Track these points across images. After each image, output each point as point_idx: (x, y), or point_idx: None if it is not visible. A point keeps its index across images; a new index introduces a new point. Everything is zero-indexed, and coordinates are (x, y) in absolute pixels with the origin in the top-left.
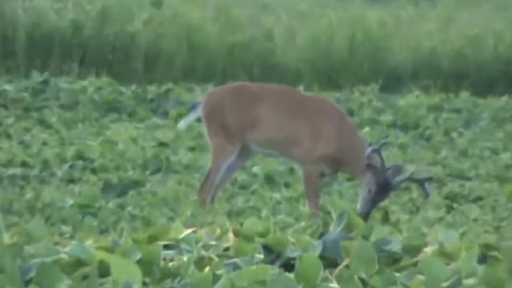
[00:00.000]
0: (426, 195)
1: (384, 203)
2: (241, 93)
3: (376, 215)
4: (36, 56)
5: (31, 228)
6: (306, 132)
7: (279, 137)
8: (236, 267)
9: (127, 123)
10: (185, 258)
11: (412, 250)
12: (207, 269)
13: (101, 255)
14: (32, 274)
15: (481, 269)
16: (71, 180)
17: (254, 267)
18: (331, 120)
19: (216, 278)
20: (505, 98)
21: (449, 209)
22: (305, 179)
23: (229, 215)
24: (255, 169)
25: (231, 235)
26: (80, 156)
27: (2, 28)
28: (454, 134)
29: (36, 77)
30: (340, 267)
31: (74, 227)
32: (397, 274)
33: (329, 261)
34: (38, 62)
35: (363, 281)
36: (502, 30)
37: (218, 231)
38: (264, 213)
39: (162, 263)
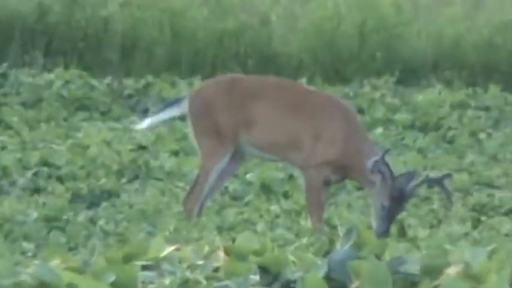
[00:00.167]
0: (448, 196)
1: (400, 215)
2: (234, 87)
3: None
4: None
5: None
6: (308, 133)
7: (277, 138)
8: None
9: (100, 124)
10: (167, 281)
11: (433, 271)
12: None
13: (69, 277)
14: None
15: None
16: (35, 190)
17: None
18: (337, 119)
19: None
20: None
21: (476, 222)
22: (307, 188)
23: (220, 229)
24: (250, 176)
25: (221, 253)
26: (44, 162)
27: None
28: (482, 136)
29: None
30: None
31: (37, 244)
32: None
33: (336, 283)
34: None
35: None
36: None
37: (206, 248)
38: (259, 227)
39: (139, 286)
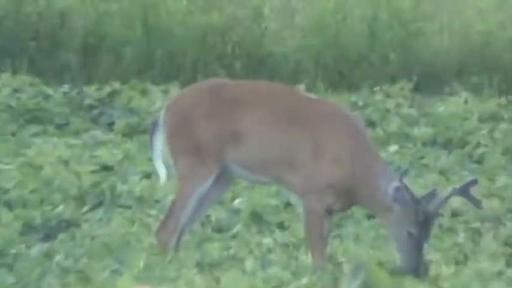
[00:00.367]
0: (478, 205)
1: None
2: (219, 95)
3: None
4: None
5: None
6: (307, 151)
7: (270, 156)
8: None
9: (56, 139)
10: None
11: None
12: None
13: None
14: None
15: None
16: None
17: None
18: (342, 133)
19: None
20: None
21: (510, 258)
22: (306, 217)
23: (201, 267)
24: (237, 203)
25: None
26: None
27: None
28: None
29: None
30: None
31: None
32: None
33: None
34: None
35: None
36: None
37: None
38: (249, 265)
39: None
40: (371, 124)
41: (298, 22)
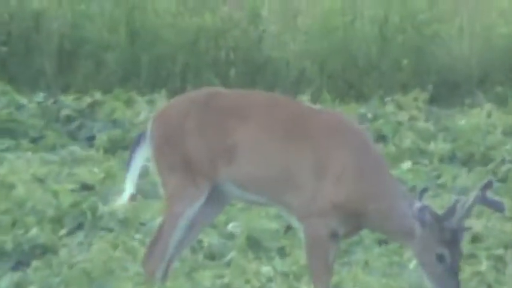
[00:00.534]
0: (498, 208)
1: None
2: (211, 106)
3: None
4: None
5: None
6: (307, 168)
7: (267, 174)
8: None
9: (30, 154)
10: None
11: None
12: None
13: None
14: None
15: None
16: None
17: None
18: (347, 148)
19: None
20: None
21: None
22: (307, 243)
23: None
24: (232, 227)
25: None
26: None
27: None
28: None
29: None
30: None
31: None
32: None
33: None
34: None
35: None
36: None
37: None
38: None
39: None
40: (382, 139)
41: (301, 24)
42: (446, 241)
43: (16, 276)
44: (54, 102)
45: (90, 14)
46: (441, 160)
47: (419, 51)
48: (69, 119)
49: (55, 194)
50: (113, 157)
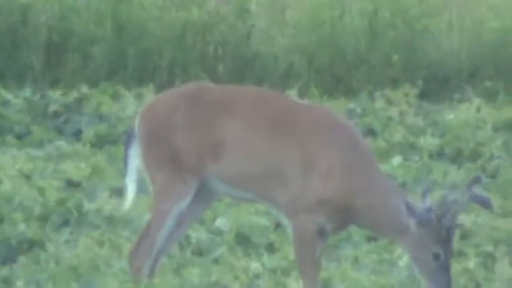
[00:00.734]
0: (485, 204)
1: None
2: (199, 100)
3: None
4: None
5: None
6: (296, 163)
7: (255, 169)
8: None
9: (15, 151)
10: None
11: None
12: None
13: None
14: None
15: None
16: None
17: None
18: (336, 143)
19: None
20: None
21: None
22: (295, 240)
23: None
24: (220, 223)
25: None
26: None
27: None
28: None
29: None
30: None
31: None
32: None
33: None
34: None
35: None
36: None
37: None
38: None
39: None
40: (371, 134)
41: (289, 19)
42: (443, 239)
43: (3, 271)
44: (41, 97)
45: (76, 8)
46: (431, 156)
47: (409, 46)
48: (55, 114)
49: (41, 190)
50: (100, 152)
